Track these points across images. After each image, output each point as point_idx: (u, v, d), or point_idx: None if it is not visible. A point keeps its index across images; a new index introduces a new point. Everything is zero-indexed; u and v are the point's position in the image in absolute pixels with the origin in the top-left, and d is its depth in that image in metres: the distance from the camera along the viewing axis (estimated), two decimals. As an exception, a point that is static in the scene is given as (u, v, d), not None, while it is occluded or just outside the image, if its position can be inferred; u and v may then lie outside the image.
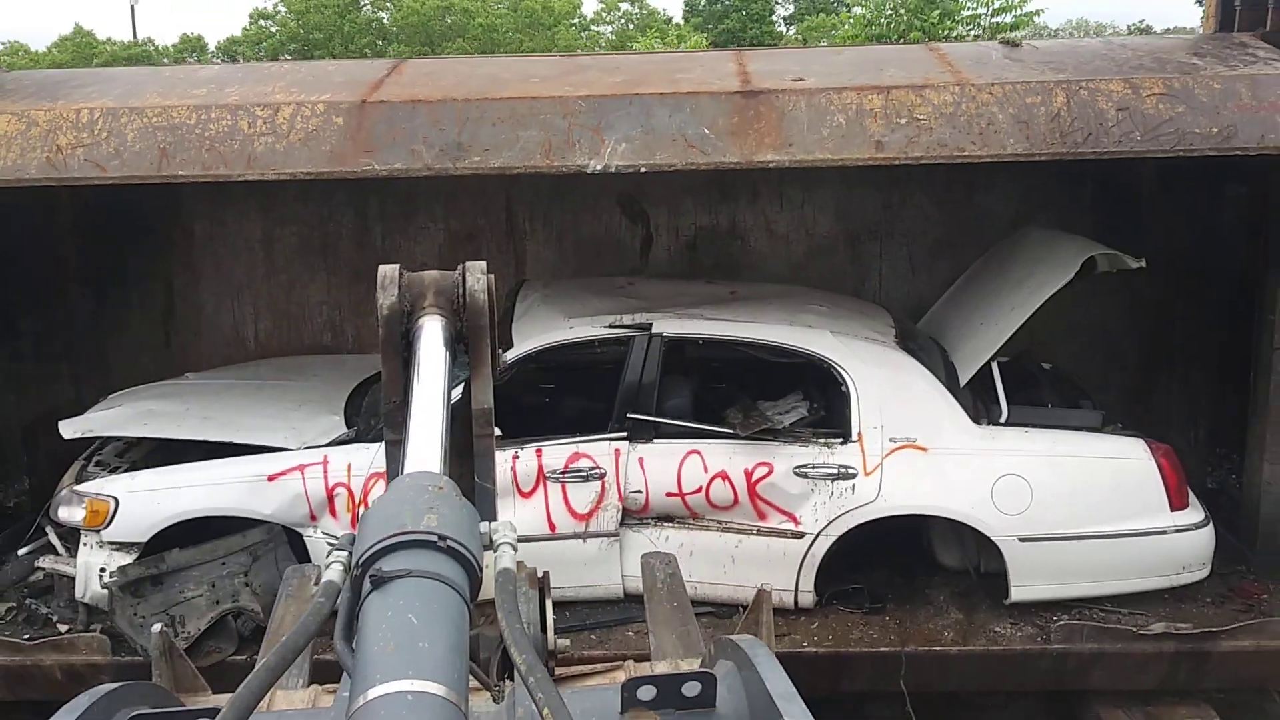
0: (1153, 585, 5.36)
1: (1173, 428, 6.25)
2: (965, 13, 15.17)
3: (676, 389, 5.65)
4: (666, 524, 5.38)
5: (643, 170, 4.89)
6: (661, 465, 5.35)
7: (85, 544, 5.43)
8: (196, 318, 7.47)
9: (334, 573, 1.43)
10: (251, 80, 5.49)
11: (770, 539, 5.32)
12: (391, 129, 4.93)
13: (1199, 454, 6.29)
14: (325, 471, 5.41)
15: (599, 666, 2.78)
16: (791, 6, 46.63)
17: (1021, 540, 5.19)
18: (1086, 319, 6.91)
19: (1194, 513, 5.30)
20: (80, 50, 38.24)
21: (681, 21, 41.01)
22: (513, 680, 1.41)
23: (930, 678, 5.12)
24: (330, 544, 1.53)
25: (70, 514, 5.48)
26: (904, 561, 5.72)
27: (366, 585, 1.32)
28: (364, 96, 5.09)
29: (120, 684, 1.62)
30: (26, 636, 5.37)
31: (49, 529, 5.87)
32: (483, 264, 2.05)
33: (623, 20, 42.39)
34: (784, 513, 5.32)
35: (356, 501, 5.37)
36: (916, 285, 7.08)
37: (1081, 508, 5.22)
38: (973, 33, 15.05)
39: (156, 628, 2.91)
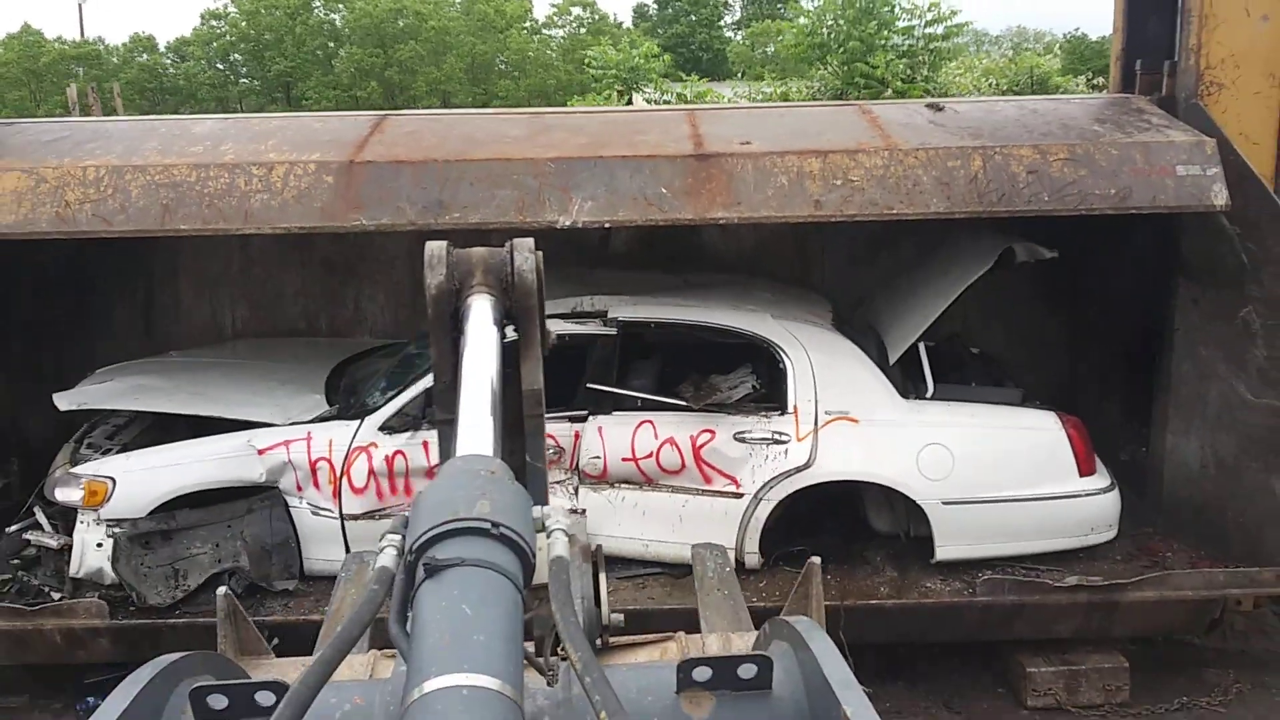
0: (1065, 545, 5.84)
1: (1089, 407, 6.70)
2: (900, 24, 15.89)
3: (633, 368, 6.15)
4: (624, 485, 5.86)
5: (607, 225, 5.39)
6: (618, 434, 5.83)
7: (82, 522, 5.74)
8: (175, 307, 7.78)
9: (387, 558, 1.43)
10: (245, 138, 5.79)
11: (714, 499, 5.80)
12: (378, 188, 5.29)
13: (1114, 430, 6.75)
14: (309, 446, 5.81)
15: (651, 637, 2.82)
16: (739, 12, 47.29)
17: (945, 504, 5.67)
18: (1013, 306, 7.43)
19: (1101, 479, 5.82)
20: (28, 49, 37.90)
21: (631, 26, 41.37)
22: (564, 658, 1.40)
23: (867, 630, 5.51)
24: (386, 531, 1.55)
25: (67, 495, 5.78)
26: (842, 530, 6.18)
27: (420, 572, 1.33)
28: (351, 157, 5.44)
29: (182, 654, 1.61)
30: (26, 603, 5.65)
31: (38, 508, 6.19)
32: (530, 241, 2.04)
33: (574, 24, 42.69)
34: (726, 475, 5.81)
35: (338, 474, 5.79)
36: (859, 276, 7.48)
37: (998, 474, 5.71)
38: (906, 42, 15.78)
39: (221, 590, 3.04)
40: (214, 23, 39.95)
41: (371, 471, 5.81)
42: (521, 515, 1.42)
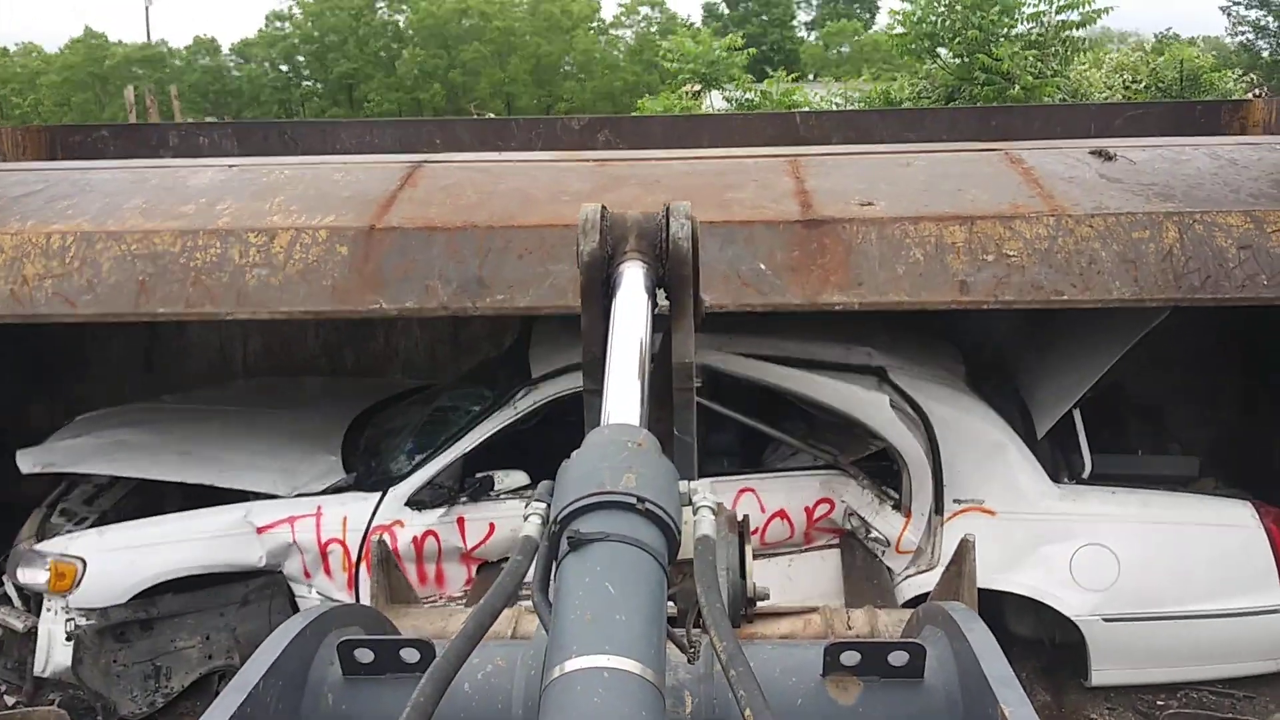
0: (1257, 670, 4.75)
1: (1270, 477, 5.57)
2: (1026, 10, 14.18)
3: (721, 422, 5.03)
4: None
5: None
6: None
7: (49, 609, 4.78)
8: (180, 338, 6.86)
9: (531, 527, 1.39)
10: (248, 193, 4.83)
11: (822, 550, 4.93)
12: (403, 261, 4.29)
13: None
14: (318, 525, 4.78)
15: (795, 607, 2.74)
16: (813, 12, 46.22)
17: (1106, 621, 4.58)
18: (1175, 347, 6.20)
19: None
20: (92, 52, 38.04)
21: (701, 25, 40.59)
22: (706, 631, 1.30)
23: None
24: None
25: (31, 576, 4.81)
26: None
27: (564, 545, 1.30)
28: (372, 221, 4.44)
29: (333, 605, 1.61)
30: (-31, 707, 4.78)
31: (5, 580, 5.22)
32: (687, 205, 1.95)
33: (642, 24, 41.99)
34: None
35: (353, 560, 4.74)
36: (988, 314, 6.34)
37: (1176, 583, 4.61)
38: (1033, 31, 14.13)
39: (376, 537, 3.02)
40: (278, 24, 39.91)
41: (396, 555, 4.74)
42: (668, 491, 1.37)
